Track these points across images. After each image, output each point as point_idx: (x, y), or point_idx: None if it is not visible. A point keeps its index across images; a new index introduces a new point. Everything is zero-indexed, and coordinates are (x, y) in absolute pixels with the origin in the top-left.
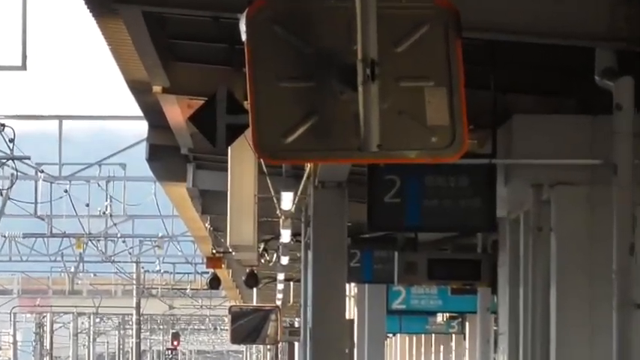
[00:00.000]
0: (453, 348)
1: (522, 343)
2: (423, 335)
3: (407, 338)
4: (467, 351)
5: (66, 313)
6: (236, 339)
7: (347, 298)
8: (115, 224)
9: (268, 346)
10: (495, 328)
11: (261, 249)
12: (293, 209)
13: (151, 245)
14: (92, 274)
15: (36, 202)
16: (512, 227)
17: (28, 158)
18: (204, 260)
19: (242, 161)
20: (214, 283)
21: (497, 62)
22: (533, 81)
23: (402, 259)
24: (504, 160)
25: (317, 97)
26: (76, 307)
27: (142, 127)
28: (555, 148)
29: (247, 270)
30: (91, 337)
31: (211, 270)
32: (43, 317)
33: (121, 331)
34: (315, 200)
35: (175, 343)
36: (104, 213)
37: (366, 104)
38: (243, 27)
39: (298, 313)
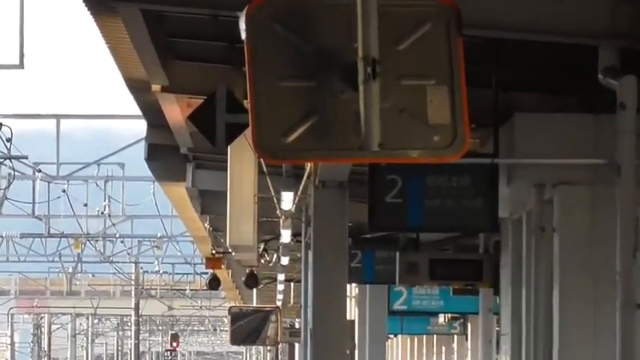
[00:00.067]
0: (455, 349)
1: (525, 344)
2: (424, 336)
3: (408, 339)
4: (469, 352)
5: (64, 313)
6: (236, 340)
7: (348, 299)
8: (113, 224)
9: (268, 348)
10: (498, 328)
11: (261, 249)
12: (293, 209)
13: (150, 245)
14: (90, 275)
15: (33, 202)
16: (515, 227)
17: (26, 158)
18: (204, 261)
19: (242, 161)
20: (214, 283)
21: (499, 60)
22: (536, 79)
23: (403, 259)
24: (506, 159)
25: (317, 95)
26: (74, 307)
27: (141, 127)
28: (558, 147)
29: (247, 270)
30: (90, 338)
31: (211, 270)
32: (41, 318)
33: (120, 332)
34: (316, 200)
35: (174, 344)
36: (102, 213)
37: (367, 103)
38: (242, 25)
39: (299, 314)
